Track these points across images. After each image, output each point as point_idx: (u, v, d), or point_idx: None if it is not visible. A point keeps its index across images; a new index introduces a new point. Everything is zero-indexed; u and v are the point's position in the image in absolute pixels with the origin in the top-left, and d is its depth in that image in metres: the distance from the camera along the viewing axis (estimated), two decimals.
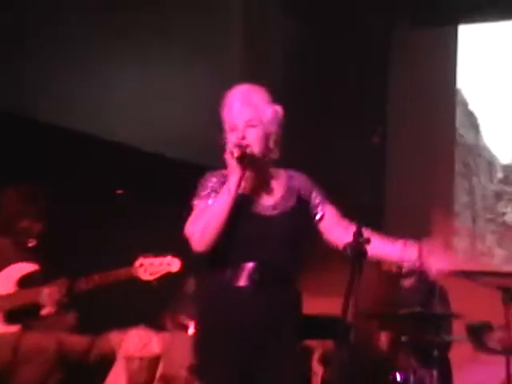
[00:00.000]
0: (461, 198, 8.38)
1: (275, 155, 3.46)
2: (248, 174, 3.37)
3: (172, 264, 4.65)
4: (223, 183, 3.35)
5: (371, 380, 5.34)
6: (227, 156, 3.35)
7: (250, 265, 3.32)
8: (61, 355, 4.69)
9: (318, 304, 5.33)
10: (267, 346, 3.33)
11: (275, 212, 3.40)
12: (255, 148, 3.35)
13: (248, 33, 7.75)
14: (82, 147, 6.30)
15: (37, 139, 6.08)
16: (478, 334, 5.52)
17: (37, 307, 4.77)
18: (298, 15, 8.40)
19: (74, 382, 4.83)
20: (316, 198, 3.49)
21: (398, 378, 5.22)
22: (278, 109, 3.46)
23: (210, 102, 3.73)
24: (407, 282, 5.90)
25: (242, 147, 3.29)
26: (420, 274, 5.87)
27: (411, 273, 5.85)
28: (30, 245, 4.99)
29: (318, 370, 5.82)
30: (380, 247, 3.43)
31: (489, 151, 8.35)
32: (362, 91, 8.26)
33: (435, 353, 5.22)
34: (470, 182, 8.41)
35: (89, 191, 7.01)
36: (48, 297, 4.72)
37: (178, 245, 3.68)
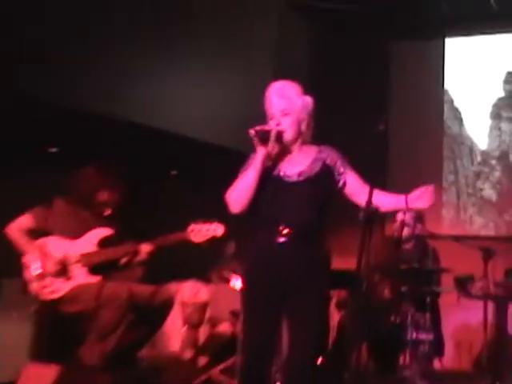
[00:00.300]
0: (448, 177, 8.35)
1: (308, 136, 3.49)
2: (277, 150, 3.41)
3: (218, 229, 4.65)
4: None
5: (377, 322, 5.34)
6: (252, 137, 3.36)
7: (281, 225, 3.31)
8: (131, 301, 4.67)
9: (336, 262, 5.36)
10: (298, 292, 3.32)
11: (300, 179, 3.39)
12: (289, 132, 3.41)
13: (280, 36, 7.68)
14: (144, 137, 6.29)
15: (111, 132, 6.09)
16: (463, 284, 5.51)
17: (113, 262, 4.85)
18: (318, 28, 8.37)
19: (141, 322, 4.82)
20: (340, 167, 3.47)
21: (398, 318, 5.22)
22: (308, 99, 3.48)
23: (254, 97, 3.76)
24: (407, 245, 5.87)
25: (257, 129, 3.33)
26: (417, 238, 5.87)
27: (410, 237, 5.83)
28: (106, 213, 5.02)
29: (335, 314, 5.81)
30: (382, 199, 3.43)
31: (470, 139, 8.29)
32: (368, 91, 8.24)
33: (428, 300, 5.22)
34: (455, 164, 8.36)
35: (149, 172, 7.04)
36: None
37: (222, 214, 3.69)
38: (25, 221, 4.77)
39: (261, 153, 3.34)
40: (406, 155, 8.26)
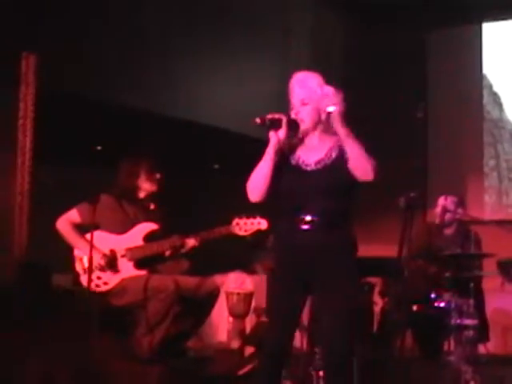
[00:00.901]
0: (489, 163, 8.28)
1: (328, 125, 3.47)
2: (295, 139, 3.42)
3: (261, 223, 4.71)
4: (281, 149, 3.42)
5: (420, 308, 5.33)
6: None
7: (303, 213, 3.33)
8: (177, 293, 4.71)
9: (376, 248, 5.35)
10: (323, 278, 3.32)
11: (318, 167, 3.39)
12: (307, 121, 3.42)
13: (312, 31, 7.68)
14: (186, 132, 6.35)
15: (152, 128, 6.15)
16: (506, 268, 5.47)
17: (158, 256, 4.94)
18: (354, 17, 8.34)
19: (188, 314, 4.87)
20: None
21: (442, 304, 5.20)
22: (329, 89, 3.46)
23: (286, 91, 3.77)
24: (449, 230, 5.84)
25: (262, 117, 3.35)
26: (459, 223, 5.84)
27: (451, 222, 5.80)
28: (150, 208, 5.09)
29: (378, 301, 5.80)
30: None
31: (510, 124, 8.19)
32: (407, 79, 8.21)
33: (471, 285, 5.19)
34: (496, 149, 8.28)
35: (192, 167, 7.10)
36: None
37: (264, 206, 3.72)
38: (72, 215, 4.86)
39: (272, 140, 3.36)
40: (446, 141, 8.21)
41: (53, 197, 5.39)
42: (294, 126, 3.41)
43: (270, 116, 3.37)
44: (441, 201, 5.81)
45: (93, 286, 4.62)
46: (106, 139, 6.26)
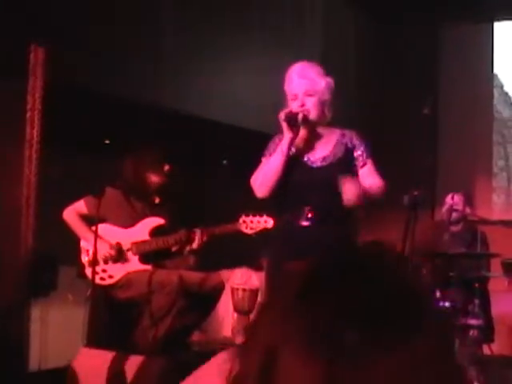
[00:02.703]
0: (498, 163, 8.23)
1: (328, 118, 3.43)
2: (301, 133, 3.37)
3: (267, 222, 4.69)
4: None
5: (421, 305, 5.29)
6: (281, 121, 3.32)
7: (306, 208, 3.31)
8: (182, 287, 4.72)
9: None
10: None
11: (324, 164, 3.37)
12: (313, 113, 3.36)
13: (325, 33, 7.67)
14: (194, 127, 6.34)
15: (161, 122, 6.15)
16: (510, 269, 5.44)
17: (164, 251, 4.93)
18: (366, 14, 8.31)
19: (193, 308, 4.87)
20: (359, 149, 3.40)
21: (447, 303, 5.17)
22: (330, 80, 3.43)
23: None
24: (455, 229, 5.81)
25: (287, 112, 3.30)
26: (466, 222, 5.80)
27: (458, 221, 5.77)
28: (157, 202, 5.08)
29: None
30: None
31: None
32: (420, 76, 8.19)
33: (477, 285, 5.16)
34: (505, 149, 8.23)
35: (200, 162, 7.08)
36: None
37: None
38: (79, 206, 4.86)
39: (288, 137, 3.31)
40: (456, 140, 8.17)
41: (60, 189, 5.40)
42: (305, 119, 3.36)
43: (288, 111, 3.32)
44: (448, 199, 5.79)
45: (97, 278, 4.63)
46: (115, 133, 6.26)
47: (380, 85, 8.33)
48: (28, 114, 4.63)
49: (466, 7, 8.11)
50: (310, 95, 3.36)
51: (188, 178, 6.31)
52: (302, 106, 3.35)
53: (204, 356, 5.06)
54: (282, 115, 3.29)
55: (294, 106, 3.36)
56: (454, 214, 5.73)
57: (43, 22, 4.66)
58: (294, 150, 3.39)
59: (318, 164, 3.38)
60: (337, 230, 3.34)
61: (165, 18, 5.78)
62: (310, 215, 3.31)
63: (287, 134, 3.31)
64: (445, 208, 5.81)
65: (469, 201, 5.85)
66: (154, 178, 5.00)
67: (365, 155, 3.38)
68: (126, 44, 5.35)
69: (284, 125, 3.30)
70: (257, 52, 6.70)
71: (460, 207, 5.74)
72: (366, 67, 8.26)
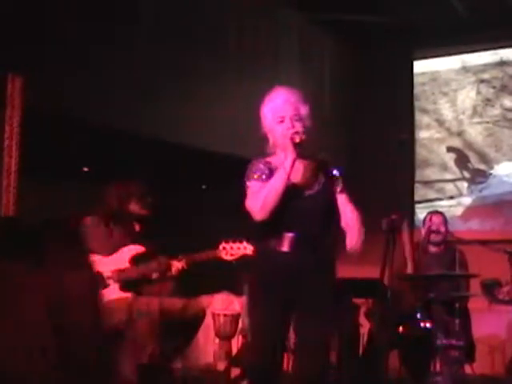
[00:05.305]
0: None
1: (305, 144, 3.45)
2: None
3: (247, 248, 4.71)
4: (269, 168, 3.35)
5: (406, 329, 5.32)
6: (285, 141, 3.32)
7: (290, 235, 3.29)
8: (163, 314, 4.72)
9: (360, 270, 5.34)
10: (302, 299, 3.30)
11: (311, 191, 3.37)
12: (302, 138, 3.35)
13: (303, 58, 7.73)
14: (173, 154, 6.35)
15: (139, 150, 6.14)
16: (490, 289, 5.47)
17: (144, 279, 4.92)
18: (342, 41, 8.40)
19: (174, 334, 4.86)
20: (336, 175, 3.35)
21: (428, 325, 5.19)
22: (309, 107, 3.45)
23: None
24: (434, 249, 5.84)
25: (297, 134, 3.31)
26: (445, 243, 5.83)
27: (439, 242, 5.80)
28: (136, 229, 5.08)
29: (364, 322, 5.79)
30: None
31: None
32: (397, 101, 8.34)
33: (457, 305, 5.19)
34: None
35: (179, 187, 7.08)
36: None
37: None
38: None
39: (292, 157, 3.31)
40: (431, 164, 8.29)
41: (40, 218, 5.37)
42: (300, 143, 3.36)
43: (294, 131, 3.34)
44: (426, 220, 5.83)
45: None
46: (94, 160, 6.26)
47: (356, 109, 8.41)
48: (6, 143, 4.62)
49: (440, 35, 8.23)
50: (297, 120, 3.38)
51: (169, 204, 6.31)
52: (293, 127, 3.37)
53: (186, 382, 5.05)
54: (297, 138, 3.30)
55: (282, 129, 3.37)
56: (434, 236, 5.76)
57: (20, 52, 4.67)
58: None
59: (307, 193, 3.39)
60: (319, 256, 3.33)
61: (139, 46, 5.80)
62: (293, 240, 3.32)
63: (292, 155, 3.31)
64: (423, 229, 5.85)
65: (446, 221, 5.90)
66: (136, 208, 5.02)
67: (341, 182, 3.41)
68: (103, 73, 5.37)
69: (290, 144, 3.31)
70: (233, 78, 6.75)
71: (438, 228, 5.78)
72: (341, 92, 8.34)
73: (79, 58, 5.16)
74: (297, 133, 3.32)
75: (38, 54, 4.80)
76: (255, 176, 3.39)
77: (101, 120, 5.37)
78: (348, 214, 3.30)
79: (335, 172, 3.28)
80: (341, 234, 3.32)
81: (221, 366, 5.88)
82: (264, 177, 3.36)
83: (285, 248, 3.31)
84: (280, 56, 7.40)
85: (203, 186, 7.68)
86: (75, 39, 5.14)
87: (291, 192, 3.33)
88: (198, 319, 5.01)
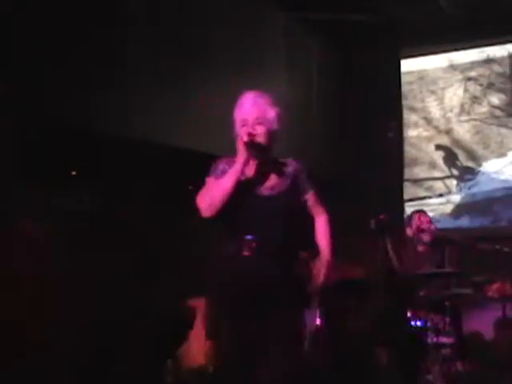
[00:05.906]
0: None
1: (273, 148, 3.45)
2: (252, 160, 3.38)
3: None
4: (230, 167, 3.35)
5: (397, 327, 5.33)
6: (238, 143, 3.33)
7: (250, 238, 3.27)
8: None
9: (349, 269, 5.34)
10: (266, 304, 3.25)
11: (273, 193, 3.36)
12: (263, 140, 3.36)
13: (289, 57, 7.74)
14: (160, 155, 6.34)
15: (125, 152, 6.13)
16: (480, 287, 5.50)
17: None
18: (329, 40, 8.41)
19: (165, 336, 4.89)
20: (304, 182, 3.46)
21: (418, 323, 5.20)
22: (278, 111, 3.46)
23: None
24: (423, 248, 5.86)
25: (251, 136, 3.32)
26: (434, 241, 5.85)
27: (429, 241, 5.82)
28: None
29: (354, 321, 5.78)
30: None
31: None
32: (384, 100, 8.35)
33: (447, 303, 5.21)
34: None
35: (167, 189, 7.07)
36: None
37: None
38: None
39: (244, 158, 3.31)
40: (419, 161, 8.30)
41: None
42: (257, 146, 3.37)
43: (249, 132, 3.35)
44: (415, 220, 5.84)
45: None
46: (78, 164, 6.24)
47: (344, 108, 8.42)
48: None
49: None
50: (260, 123, 3.38)
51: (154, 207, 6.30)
52: (254, 131, 3.37)
53: None
54: (245, 138, 3.31)
55: (243, 131, 3.37)
56: (423, 235, 5.78)
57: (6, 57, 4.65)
58: (242, 177, 3.38)
59: (267, 193, 3.38)
60: (281, 260, 3.31)
61: (131, 49, 5.80)
62: (253, 245, 3.27)
63: (243, 155, 3.31)
64: (411, 229, 5.86)
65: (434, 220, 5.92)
66: None
67: (308, 184, 3.44)
68: (89, 76, 5.36)
69: (243, 145, 3.31)
70: (222, 83, 6.76)
71: (429, 227, 5.80)
72: (328, 91, 8.35)
73: (69, 62, 5.15)
74: (250, 134, 3.33)
75: (26, 57, 4.78)
76: (214, 173, 3.41)
77: (83, 123, 5.35)
78: (319, 230, 3.41)
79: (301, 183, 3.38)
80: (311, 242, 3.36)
81: (213, 368, 5.86)
82: (220, 175, 3.37)
83: (243, 252, 3.28)
84: (266, 56, 7.40)
85: (190, 187, 7.66)
86: (65, 42, 5.11)
87: (246, 192, 3.32)
88: (189, 321, 5.01)
